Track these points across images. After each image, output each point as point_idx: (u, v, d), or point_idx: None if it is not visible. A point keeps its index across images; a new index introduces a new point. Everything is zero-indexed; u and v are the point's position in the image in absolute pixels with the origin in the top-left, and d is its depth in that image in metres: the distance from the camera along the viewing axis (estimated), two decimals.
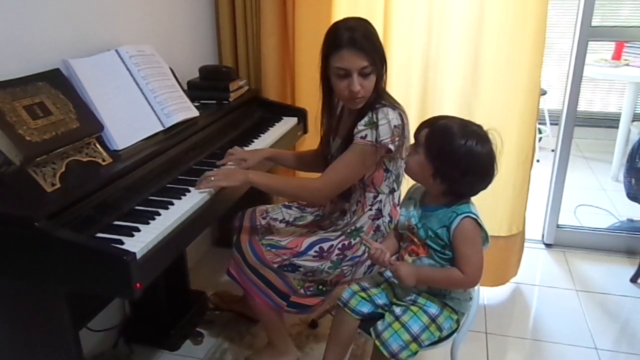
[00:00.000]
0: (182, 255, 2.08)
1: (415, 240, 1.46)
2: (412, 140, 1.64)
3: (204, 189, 1.52)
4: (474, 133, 1.35)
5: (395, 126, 1.55)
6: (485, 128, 1.37)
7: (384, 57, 1.60)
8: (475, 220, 1.37)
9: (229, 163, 1.74)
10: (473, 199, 1.43)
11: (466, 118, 1.45)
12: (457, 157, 1.33)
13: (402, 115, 1.59)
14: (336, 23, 1.59)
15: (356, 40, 1.50)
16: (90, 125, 1.48)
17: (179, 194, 1.49)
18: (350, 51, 1.50)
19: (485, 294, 2.35)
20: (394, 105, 1.61)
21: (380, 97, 1.60)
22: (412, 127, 1.68)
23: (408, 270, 1.40)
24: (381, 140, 1.54)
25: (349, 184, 1.66)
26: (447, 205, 1.40)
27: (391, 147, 1.56)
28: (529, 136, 2.23)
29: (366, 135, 1.55)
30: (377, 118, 1.55)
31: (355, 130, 1.57)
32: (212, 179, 1.54)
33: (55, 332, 1.33)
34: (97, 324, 1.86)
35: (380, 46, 1.58)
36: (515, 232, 2.36)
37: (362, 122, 1.57)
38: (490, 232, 1.42)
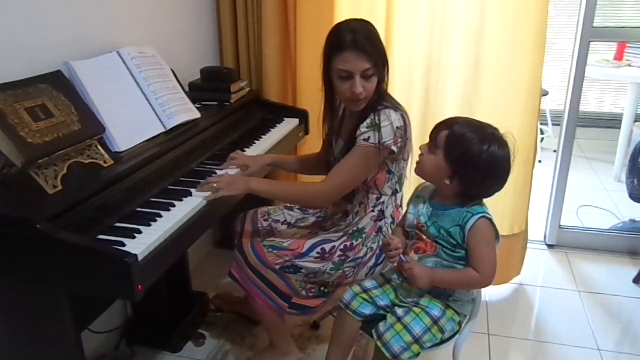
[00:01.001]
0: (184, 256, 2.07)
1: (424, 238, 1.46)
2: (414, 142, 1.65)
3: (206, 192, 1.51)
4: (494, 137, 1.35)
5: (397, 127, 1.55)
6: (501, 131, 1.38)
7: (386, 59, 1.59)
8: (490, 220, 1.37)
9: (231, 167, 1.74)
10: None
11: None
12: (480, 162, 1.33)
13: (404, 116, 1.59)
14: (338, 25, 1.58)
15: (359, 42, 1.50)
16: (91, 127, 1.48)
17: (181, 195, 1.49)
18: (352, 53, 1.50)
19: (488, 294, 2.35)
20: (396, 106, 1.60)
21: (382, 99, 1.60)
22: (415, 128, 1.68)
23: (423, 272, 1.39)
24: (384, 142, 1.54)
25: (353, 187, 1.65)
26: (460, 205, 1.40)
27: (394, 148, 1.56)
28: (530, 136, 2.23)
29: (369, 138, 1.55)
30: (379, 120, 1.55)
31: (358, 133, 1.57)
32: (215, 186, 1.53)
33: (57, 334, 1.33)
34: (99, 325, 1.85)
35: (382, 48, 1.57)
36: (517, 231, 2.37)
37: (365, 124, 1.56)
38: None
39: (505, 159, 1.35)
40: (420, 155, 1.44)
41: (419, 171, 1.46)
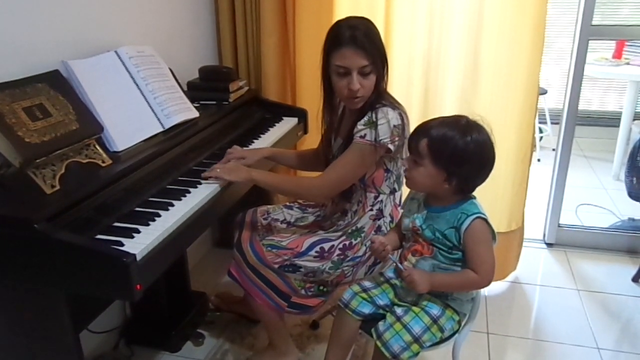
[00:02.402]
0: (182, 256, 2.07)
1: (420, 240, 1.46)
2: None
3: (212, 178, 1.57)
4: (469, 126, 1.37)
5: (394, 126, 1.55)
6: (471, 117, 1.39)
7: (385, 58, 1.59)
8: (485, 220, 1.37)
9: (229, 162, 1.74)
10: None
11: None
12: (469, 154, 1.34)
13: (402, 115, 1.59)
14: (338, 21, 1.59)
15: (357, 39, 1.50)
16: (89, 126, 1.48)
17: (179, 195, 1.49)
18: (350, 49, 1.50)
19: (487, 293, 2.35)
20: (395, 105, 1.60)
21: (380, 97, 1.60)
22: (414, 127, 1.68)
23: (422, 277, 1.38)
24: (380, 140, 1.54)
25: (349, 183, 1.65)
26: (454, 206, 1.40)
27: (391, 147, 1.55)
28: (527, 134, 2.24)
29: (365, 135, 1.55)
30: (376, 117, 1.55)
31: (355, 130, 1.57)
32: (218, 171, 1.57)
33: (55, 334, 1.33)
34: (97, 325, 1.85)
35: (381, 46, 1.57)
36: (514, 228, 2.38)
37: (362, 121, 1.56)
38: None
39: (488, 141, 1.37)
40: (406, 170, 1.44)
41: (413, 186, 1.46)
